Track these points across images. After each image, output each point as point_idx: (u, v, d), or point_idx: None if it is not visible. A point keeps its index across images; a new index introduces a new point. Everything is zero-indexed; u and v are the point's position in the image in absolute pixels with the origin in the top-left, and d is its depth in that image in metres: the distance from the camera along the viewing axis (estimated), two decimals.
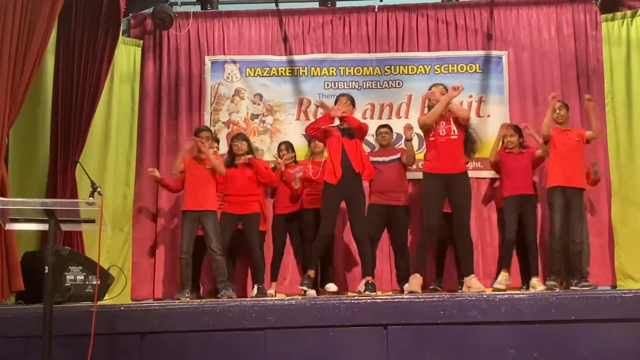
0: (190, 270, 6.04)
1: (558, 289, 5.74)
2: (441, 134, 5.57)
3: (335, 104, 6.01)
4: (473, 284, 5.42)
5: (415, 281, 5.48)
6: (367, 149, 6.63)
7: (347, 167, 5.73)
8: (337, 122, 5.96)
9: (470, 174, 6.34)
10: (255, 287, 6.26)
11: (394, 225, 6.51)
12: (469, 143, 5.76)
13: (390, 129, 6.79)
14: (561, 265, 5.95)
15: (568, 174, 5.92)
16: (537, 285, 6.05)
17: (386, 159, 6.53)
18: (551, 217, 5.99)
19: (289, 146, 6.88)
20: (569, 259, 6.01)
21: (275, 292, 6.59)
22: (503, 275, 6.27)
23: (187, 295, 5.87)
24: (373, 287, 5.65)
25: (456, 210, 5.58)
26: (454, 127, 5.58)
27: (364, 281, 5.74)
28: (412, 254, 6.31)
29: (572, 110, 7.13)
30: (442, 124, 5.59)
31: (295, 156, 6.90)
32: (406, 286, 5.58)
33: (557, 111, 6.14)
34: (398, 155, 6.56)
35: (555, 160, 6.02)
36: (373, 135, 6.87)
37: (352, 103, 6.05)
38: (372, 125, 6.85)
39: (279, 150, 6.90)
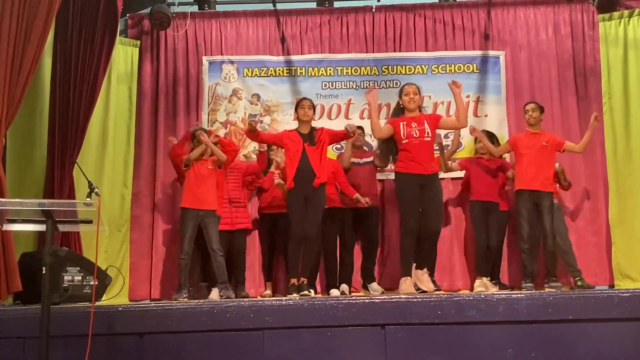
0: (188, 271, 6.03)
1: (534, 290, 5.74)
2: (415, 135, 5.50)
3: (297, 107, 5.86)
4: (424, 280, 5.47)
5: (406, 284, 5.43)
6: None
7: (304, 172, 5.59)
8: (298, 125, 5.84)
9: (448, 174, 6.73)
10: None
11: (364, 226, 6.54)
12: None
13: (363, 130, 6.71)
14: (533, 267, 5.95)
15: (532, 177, 5.87)
16: (489, 285, 6.19)
17: (360, 160, 6.52)
18: (518, 219, 5.98)
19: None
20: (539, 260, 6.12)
21: (273, 293, 6.60)
22: (478, 282, 6.33)
23: (185, 295, 5.87)
24: (304, 289, 5.51)
25: (429, 211, 5.51)
26: (427, 129, 5.54)
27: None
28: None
29: (569, 110, 7.20)
30: (414, 125, 5.52)
31: None
32: (400, 290, 5.52)
33: (530, 113, 6.08)
34: (371, 159, 6.57)
35: (520, 165, 6.00)
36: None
37: (314, 109, 5.88)
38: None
39: (269, 147, 6.87)
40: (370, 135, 6.84)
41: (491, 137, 6.53)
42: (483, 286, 6.19)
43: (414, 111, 5.63)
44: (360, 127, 6.71)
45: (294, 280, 5.60)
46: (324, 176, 5.67)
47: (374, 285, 6.37)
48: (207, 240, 5.98)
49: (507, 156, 6.76)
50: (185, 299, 5.79)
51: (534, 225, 5.87)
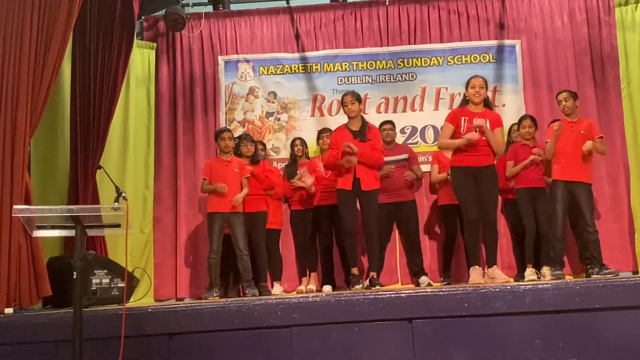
0: (219, 270, 6.07)
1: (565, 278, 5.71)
2: (474, 131, 5.52)
3: (342, 102, 5.82)
4: (497, 275, 5.42)
5: (475, 273, 5.44)
6: None
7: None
8: (348, 122, 5.85)
9: None
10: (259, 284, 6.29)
11: (404, 221, 6.57)
12: None
13: (394, 125, 6.74)
14: (563, 255, 5.94)
15: (569, 168, 5.80)
16: (547, 273, 6.06)
17: (392, 158, 6.49)
18: (554, 209, 5.94)
19: (302, 142, 6.89)
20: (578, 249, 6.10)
21: (306, 288, 6.55)
22: (529, 270, 6.28)
23: (215, 294, 5.91)
24: (377, 283, 5.69)
25: (483, 203, 5.52)
26: (487, 125, 5.49)
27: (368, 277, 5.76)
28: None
29: (586, 97, 7.13)
30: (476, 120, 5.51)
31: (307, 152, 6.91)
32: (470, 280, 5.53)
33: (563, 103, 6.00)
34: (405, 156, 6.60)
35: (559, 154, 5.94)
36: None
37: (359, 100, 5.83)
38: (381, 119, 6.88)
39: (293, 145, 6.88)
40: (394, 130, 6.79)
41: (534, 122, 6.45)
42: (534, 274, 6.17)
43: (478, 105, 5.58)
44: (390, 122, 6.71)
45: (354, 270, 5.69)
46: (375, 180, 5.68)
47: (424, 279, 6.37)
48: (233, 240, 6.01)
49: None
50: (217, 298, 5.84)
51: (569, 216, 5.87)
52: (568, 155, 5.80)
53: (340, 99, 7.08)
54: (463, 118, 5.50)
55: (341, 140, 5.67)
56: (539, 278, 6.09)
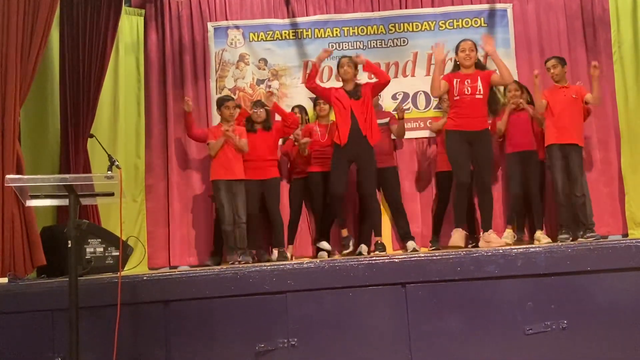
0: (245, 235, 6.19)
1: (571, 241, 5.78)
2: (466, 92, 5.55)
3: (337, 67, 6.03)
4: (492, 239, 5.49)
5: (457, 235, 5.54)
6: None
7: (354, 131, 5.78)
8: (342, 84, 5.98)
9: None
10: (276, 250, 6.44)
11: (386, 187, 6.61)
12: (493, 104, 5.82)
13: None
14: (569, 218, 6.00)
15: (563, 131, 5.93)
16: (541, 238, 6.13)
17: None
18: (552, 174, 6.03)
19: (302, 109, 6.91)
20: (572, 212, 6.07)
21: (292, 256, 6.68)
22: (508, 232, 6.36)
23: (240, 259, 6.04)
24: (383, 247, 5.84)
25: (478, 167, 5.59)
26: (480, 86, 5.55)
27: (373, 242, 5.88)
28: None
29: (578, 61, 7.11)
30: (468, 82, 5.56)
31: (308, 119, 6.96)
32: (451, 241, 5.63)
33: (552, 70, 6.10)
34: (387, 120, 6.65)
35: (550, 119, 6.02)
36: None
37: (355, 67, 6.04)
38: None
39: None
40: (380, 95, 6.86)
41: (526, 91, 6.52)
42: (511, 237, 6.26)
43: (469, 68, 5.63)
44: None
45: (344, 231, 5.97)
46: (375, 135, 5.84)
47: (411, 244, 6.43)
48: (233, 207, 6.13)
49: None
50: (249, 260, 6.07)
51: (567, 178, 5.93)
52: (562, 119, 5.89)
53: (330, 66, 7.14)
54: (455, 80, 5.56)
55: (334, 92, 5.99)
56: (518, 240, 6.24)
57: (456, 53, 5.74)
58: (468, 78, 5.57)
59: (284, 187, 6.88)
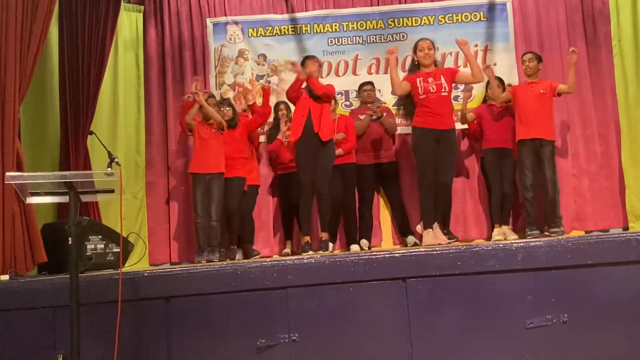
0: (206, 233, 6.12)
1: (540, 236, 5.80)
2: (432, 90, 5.56)
3: (302, 66, 5.94)
4: (438, 234, 5.57)
5: (428, 237, 5.52)
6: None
7: (307, 127, 5.74)
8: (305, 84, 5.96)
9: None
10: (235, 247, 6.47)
11: (386, 182, 6.62)
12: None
13: (374, 85, 6.85)
14: (538, 214, 6.03)
15: (531, 126, 5.96)
16: (508, 233, 6.24)
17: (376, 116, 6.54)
18: (521, 169, 6.06)
19: (287, 106, 6.85)
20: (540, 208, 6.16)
21: (292, 251, 6.68)
22: (497, 231, 6.39)
23: (205, 257, 5.95)
24: (326, 246, 5.74)
25: (441, 166, 5.58)
26: (444, 84, 5.56)
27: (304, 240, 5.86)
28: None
29: (578, 55, 7.08)
30: (430, 80, 5.57)
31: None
32: (424, 241, 5.63)
33: (527, 63, 6.15)
34: (384, 114, 6.62)
35: (520, 114, 6.08)
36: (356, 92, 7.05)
37: (320, 65, 6.06)
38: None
39: (277, 109, 6.91)
40: (379, 90, 6.89)
41: (501, 83, 6.52)
42: (501, 234, 6.27)
43: (429, 66, 5.65)
44: (370, 83, 6.75)
45: (307, 238, 5.75)
46: (326, 131, 5.73)
47: (411, 238, 6.44)
48: (209, 202, 6.09)
49: None
50: (205, 261, 5.89)
51: (537, 174, 5.95)
52: (528, 114, 5.94)
53: (329, 61, 7.15)
54: (418, 79, 5.58)
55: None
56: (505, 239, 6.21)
57: (414, 52, 5.76)
58: (430, 76, 5.60)
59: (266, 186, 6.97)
